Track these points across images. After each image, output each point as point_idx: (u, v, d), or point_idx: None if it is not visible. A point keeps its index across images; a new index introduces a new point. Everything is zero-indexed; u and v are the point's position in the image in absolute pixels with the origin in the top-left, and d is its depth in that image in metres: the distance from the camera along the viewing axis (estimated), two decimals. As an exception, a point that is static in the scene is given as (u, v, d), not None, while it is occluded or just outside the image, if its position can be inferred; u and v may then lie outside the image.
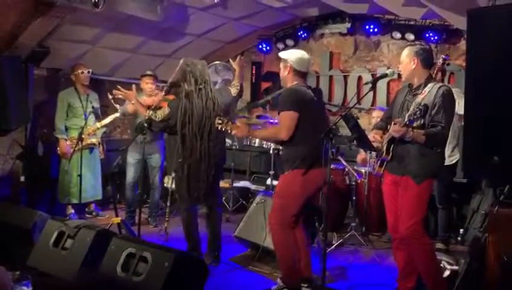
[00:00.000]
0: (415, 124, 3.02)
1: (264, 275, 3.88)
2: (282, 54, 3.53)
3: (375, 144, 3.30)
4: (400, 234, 3.21)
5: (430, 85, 3.11)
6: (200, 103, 3.83)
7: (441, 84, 3.20)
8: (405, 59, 3.20)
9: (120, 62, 6.29)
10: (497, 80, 2.14)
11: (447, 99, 3.04)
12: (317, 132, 3.32)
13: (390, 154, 3.18)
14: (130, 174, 5.22)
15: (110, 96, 5.00)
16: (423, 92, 3.10)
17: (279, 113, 3.39)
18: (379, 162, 3.28)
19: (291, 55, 3.48)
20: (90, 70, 5.35)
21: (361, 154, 5.26)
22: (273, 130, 3.58)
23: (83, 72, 5.26)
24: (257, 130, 3.93)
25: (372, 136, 3.32)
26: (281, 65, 3.51)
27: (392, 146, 3.17)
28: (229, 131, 3.48)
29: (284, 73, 3.49)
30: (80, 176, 4.90)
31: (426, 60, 3.17)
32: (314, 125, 3.36)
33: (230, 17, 6.19)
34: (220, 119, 3.47)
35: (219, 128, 3.49)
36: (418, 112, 2.96)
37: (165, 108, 3.93)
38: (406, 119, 3.01)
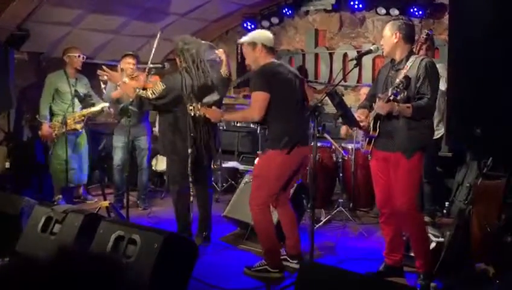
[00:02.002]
0: (399, 97, 3.01)
1: (254, 253, 3.92)
2: (245, 39, 3.49)
3: (361, 124, 3.29)
4: (394, 210, 3.23)
5: (412, 59, 3.11)
6: (199, 80, 3.79)
7: (422, 56, 3.20)
8: (387, 33, 3.19)
9: (102, 44, 6.18)
10: (479, 53, 2.15)
11: (431, 71, 3.04)
12: (294, 111, 3.35)
13: (378, 130, 3.17)
14: (118, 157, 5.19)
15: (103, 85, 4.94)
16: (405, 66, 3.09)
17: (251, 93, 3.38)
18: (367, 140, 3.27)
19: (257, 35, 3.47)
20: (84, 55, 5.26)
21: (344, 128, 5.27)
22: (245, 113, 3.58)
23: (78, 56, 5.16)
24: (230, 112, 3.94)
25: (357, 116, 3.30)
26: (247, 49, 3.46)
27: (378, 122, 3.17)
28: (202, 115, 3.48)
29: (254, 55, 3.44)
30: (66, 161, 4.86)
31: (408, 34, 3.16)
32: (290, 104, 3.35)
33: (214, -5, 6.11)
34: (191, 105, 3.47)
35: (191, 114, 3.49)
36: (401, 85, 2.95)
37: (158, 83, 3.86)
38: (389, 94, 3.01)
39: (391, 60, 3.28)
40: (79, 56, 5.17)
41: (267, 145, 3.41)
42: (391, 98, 2.99)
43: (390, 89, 3.04)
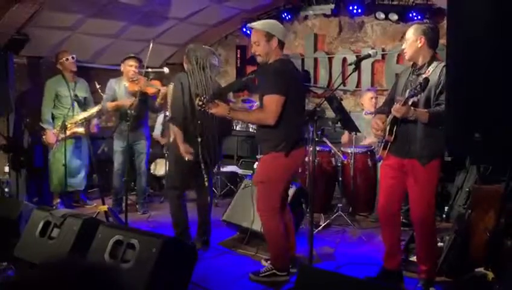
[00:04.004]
0: (416, 99, 2.95)
1: (253, 258, 3.91)
2: (261, 27, 3.29)
3: (379, 131, 3.20)
4: (412, 219, 3.20)
5: (434, 64, 3.05)
6: (203, 81, 3.82)
7: (445, 63, 3.15)
8: (411, 37, 3.10)
9: (102, 48, 6.19)
10: (478, 56, 2.15)
11: None
12: (299, 112, 3.31)
13: (393, 135, 3.10)
14: (118, 162, 5.17)
15: (98, 86, 4.92)
16: (427, 71, 3.03)
17: (263, 95, 3.23)
18: (382, 144, 3.20)
19: (274, 27, 3.30)
20: (74, 56, 5.25)
21: (345, 135, 5.27)
22: (258, 115, 3.34)
23: (67, 59, 5.16)
24: (239, 111, 3.82)
25: (375, 121, 3.23)
26: (261, 39, 3.25)
27: (395, 127, 3.10)
28: (209, 110, 3.34)
29: (268, 48, 3.26)
30: (65, 165, 4.86)
31: (433, 39, 3.09)
32: (296, 105, 3.31)
33: (213, 0, 6.11)
34: (201, 100, 3.35)
35: (199, 108, 3.39)
36: (418, 86, 2.89)
37: (169, 87, 3.90)
38: (406, 95, 2.95)
39: (412, 64, 3.20)
40: (67, 59, 5.16)
41: (270, 147, 3.28)
42: (408, 101, 2.93)
43: (407, 92, 2.98)
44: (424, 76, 3.00)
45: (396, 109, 3.00)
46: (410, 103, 2.95)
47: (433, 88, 2.99)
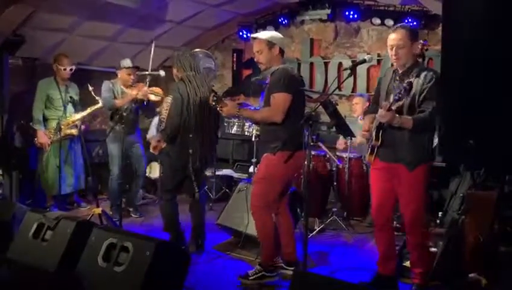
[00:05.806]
0: (401, 103, 2.95)
1: (247, 262, 3.90)
2: (265, 36, 3.47)
3: (365, 132, 3.22)
4: (404, 224, 3.22)
5: (416, 70, 3.05)
6: (198, 88, 3.83)
7: (429, 68, 3.13)
8: (407, 42, 3.03)
9: (98, 50, 6.18)
10: (474, 62, 2.16)
11: (435, 84, 2.97)
12: (300, 115, 3.37)
13: (380, 140, 3.12)
14: (117, 167, 4.97)
15: (91, 88, 4.89)
16: (411, 76, 3.03)
17: (269, 95, 3.36)
18: (369, 149, 3.22)
19: (276, 37, 3.49)
20: (74, 67, 5.20)
21: (341, 141, 5.28)
22: (267, 113, 3.42)
23: (65, 69, 5.10)
24: (247, 110, 3.85)
25: (365, 122, 3.25)
26: (264, 47, 3.44)
27: (380, 132, 3.11)
28: (219, 108, 3.44)
29: (270, 55, 3.44)
30: (60, 167, 4.83)
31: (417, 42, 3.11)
32: (299, 108, 3.41)
33: (210, 4, 6.13)
34: (215, 96, 3.42)
35: (213, 103, 3.45)
36: (403, 90, 2.88)
37: (166, 99, 3.89)
38: (390, 101, 2.96)
39: (394, 70, 3.20)
40: (65, 69, 5.09)
41: (278, 148, 3.34)
42: (393, 106, 2.94)
43: (391, 96, 2.99)
44: (407, 80, 2.97)
45: (382, 115, 3.01)
46: (394, 108, 2.95)
47: (417, 95, 3.00)
